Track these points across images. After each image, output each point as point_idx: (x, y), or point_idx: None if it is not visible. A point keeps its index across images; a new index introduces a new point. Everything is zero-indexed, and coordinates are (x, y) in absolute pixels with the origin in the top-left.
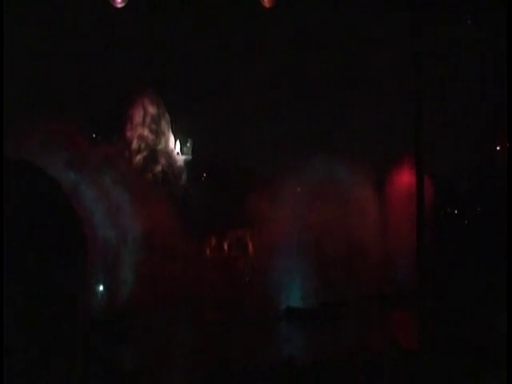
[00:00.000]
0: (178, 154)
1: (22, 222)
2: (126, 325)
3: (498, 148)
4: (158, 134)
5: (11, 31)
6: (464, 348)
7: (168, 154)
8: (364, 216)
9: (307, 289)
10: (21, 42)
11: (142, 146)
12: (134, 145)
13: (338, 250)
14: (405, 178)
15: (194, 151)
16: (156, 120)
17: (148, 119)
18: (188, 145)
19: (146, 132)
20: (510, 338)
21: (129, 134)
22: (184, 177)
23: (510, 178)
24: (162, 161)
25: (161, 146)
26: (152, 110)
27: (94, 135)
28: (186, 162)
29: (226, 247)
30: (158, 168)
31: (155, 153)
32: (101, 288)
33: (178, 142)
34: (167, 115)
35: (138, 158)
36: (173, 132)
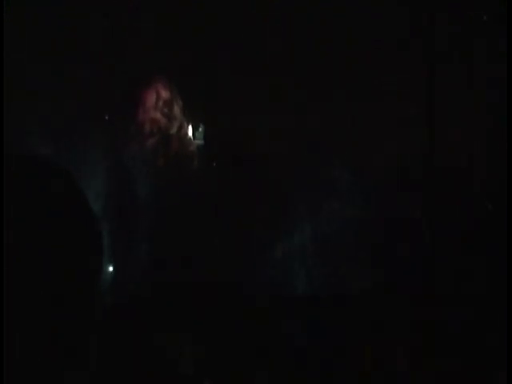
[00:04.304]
0: (190, 138)
1: (34, 209)
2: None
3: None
4: (171, 118)
5: (20, 10)
6: (464, 347)
7: (180, 139)
8: (376, 208)
9: (317, 278)
10: (27, 23)
11: (155, 129)
12: (147, 128)
13: (349, 239)
14: (413, 174)
15: (206, 137)
16: (168, 104)
17: (161, 103)
18: (200, 130)
19: (158, 116)
20: (510, 337)
21: (141, 117)
22: (196, 162)
23: (510, 177)
24: (175, 145)
25: (173, 131)
26: (165, 93)
27: (106, 117)
28: (199, 147)
29: (236, 235)
30: (170, 152)
31: (167, 137)
32: (113, 271)
33: (190, 127)
34: (180, 100)
35: (150, 141)
36: (185, 117)
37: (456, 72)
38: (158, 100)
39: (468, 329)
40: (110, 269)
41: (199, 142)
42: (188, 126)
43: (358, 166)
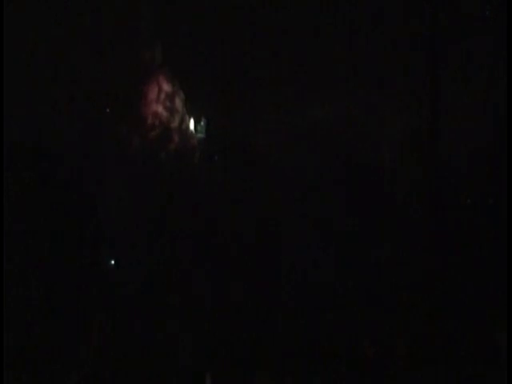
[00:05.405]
0: (191, 132)
1: (34, 202)
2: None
3: None
4: (172, 111)
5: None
6: (464, 347)
7: (182, 133)
8: (378, 201)
9: (322, 269)
10: (27, 15)
11: (156, 123)
12: (148, 121)
13: (352, 234)
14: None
15: (207, 130)
16: (170, 97)
17: (162, 96)
18: (202, 124)
19: (160, 109)
20: (510, 338)
21: (143, 110)
22: (197, 155)
23: (510, 176)
24: (176, 139)
25: (174, 124)
26: (167, 87)
27: (107, 110)
28: (200, 141)
29: (236, 228)
30: (172, 146)
31: (169, 130)
32: (114, 264)
33: (191, 121)
34: (182, 93)
35: (152, 134)
36: (187, 110)
37: (457, 71)
38: (159, 93)
39: (468, 327)
40: (112, 262)
41: (201, 135)
42: (190, 119)
43: (357, 164)
